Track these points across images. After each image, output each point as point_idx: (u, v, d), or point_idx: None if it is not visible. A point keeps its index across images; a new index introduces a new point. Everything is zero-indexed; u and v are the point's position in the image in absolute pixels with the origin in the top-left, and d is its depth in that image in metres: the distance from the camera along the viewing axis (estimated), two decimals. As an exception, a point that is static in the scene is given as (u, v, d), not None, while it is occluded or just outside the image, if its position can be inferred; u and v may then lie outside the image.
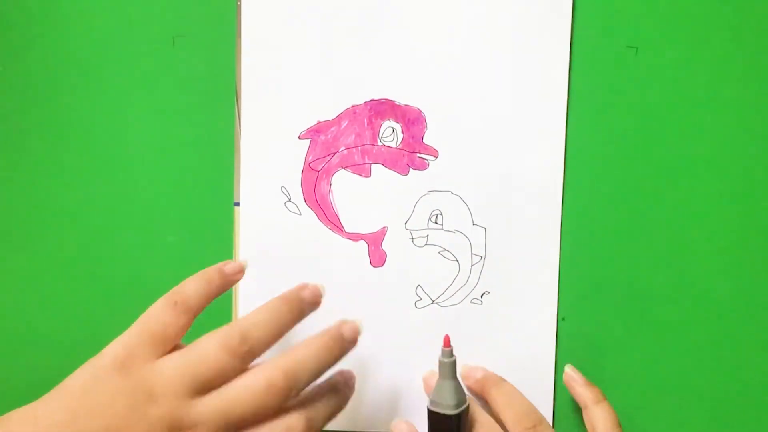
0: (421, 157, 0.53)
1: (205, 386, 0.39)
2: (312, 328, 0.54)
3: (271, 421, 0.40)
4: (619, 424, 0.49)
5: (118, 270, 0.54)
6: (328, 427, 0.54)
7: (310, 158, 0.53)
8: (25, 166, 0.54)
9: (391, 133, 0.53)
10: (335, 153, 0.53)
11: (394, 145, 0.53)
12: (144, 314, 0.42)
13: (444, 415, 0.47)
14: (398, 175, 0.53)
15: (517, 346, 0.54)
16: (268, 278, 0.54)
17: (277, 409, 0.40)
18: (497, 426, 0.49)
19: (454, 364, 0.48)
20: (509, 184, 0.53)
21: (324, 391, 0.44)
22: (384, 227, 0.53)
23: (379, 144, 0.53)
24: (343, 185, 0.53)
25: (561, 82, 0.52)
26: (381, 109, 0.53)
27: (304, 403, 0.42)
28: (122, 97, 0.53)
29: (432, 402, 0.48)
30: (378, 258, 0.54)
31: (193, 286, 0.43)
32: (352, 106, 0.53)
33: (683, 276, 0.53)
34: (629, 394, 0.54)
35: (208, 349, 0.39)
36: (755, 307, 0.53)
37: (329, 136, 0.53)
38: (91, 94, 0.53)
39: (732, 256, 0.53)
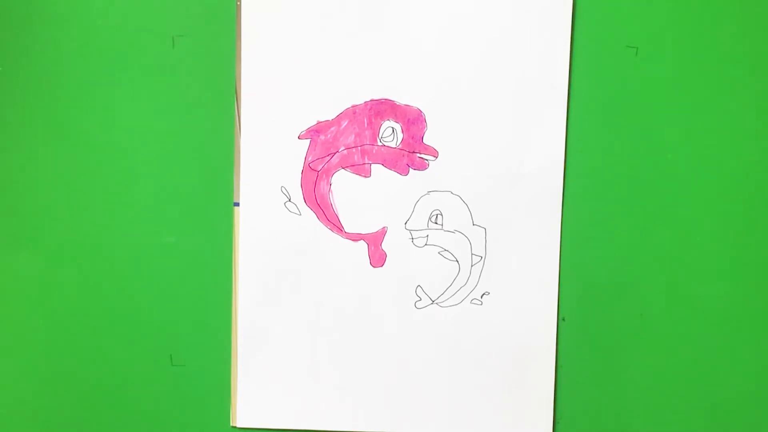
0: (421, 157, 0.53)
1: None
2: (313, 328, 0.55)
3: None
4: None
5: (119, 270, 0.54)
6: (328, 427, 0.55)
7: (310, 158, 0.53)
8: (24, 166, 0.54)
9: (391, 133, 0.53)
10: (335, 153, 0.53)
11: (394, 145, 0.53)
12: None
13: None
14: (398, 175, 0.53)
15: (517, 346, 0.54)
16: (267, 278, 0.54)
17: None
18: None
19: None
20: (509, 184, 0.53)
21: None
22: (384, 227, 0.53)
23: (379, 144, 0.53)
24: (343, 185, 0.53)
25: (561, 82, 0.52)
26: (381, 109, 0.53)
27: None
28: (122, 97, 0.53)
29: None
30: (378, 258, 0.54)
31: None
32: (352, 106, 0.53)
33: (683, 276, 0.53)
34: (629, 394, 0.54)
35: None
36: (755, 307, 0.53)
37: (329, 136, 0.53)
38: (91, 94, 0.53)
39: (732, 257, 0.53)
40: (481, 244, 0.53)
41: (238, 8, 0.52)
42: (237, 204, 0.53)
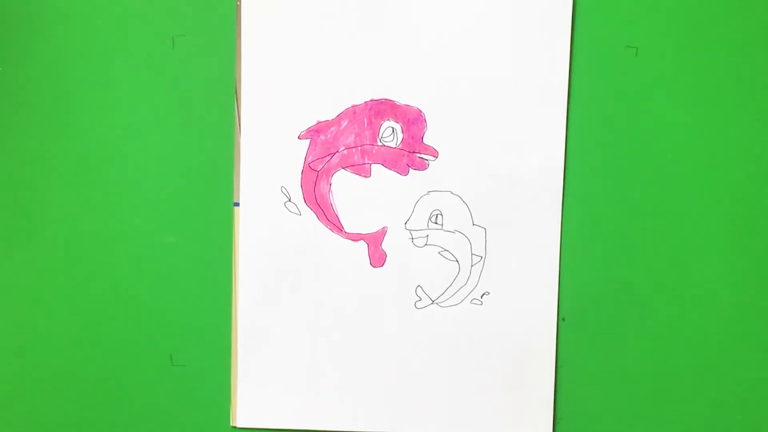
0: (421, 157, 0.53)
1: None
2: (313, 328, 0.55)
3: None
4: None
5: (119, 270, 0.54)
6: (328, 427, 0.55)
7: (310, 158, 0.53)
8: (25, 166, 0.54)
9: (391, 133, 0.53)
10: (335, 153, 0.53)
11: (394, 145, 0.53)
12: None
13: None
14: (398, 175, 0.53)
15: (517, 346, 0.54)
16: (267, 278, 0.54)
17: None
18: None
19: None
20: (509, 184, 0.53)
21: None
22: (384, 227, 0.53)
23: (379, 144, 0.53)
24: (343, 185, 0.53)
25: (561, 82, 0.52)
26: (381, 109, 0.53)
27: None
28: (122, 97, 0.53)
29: None
30: (378, 258, 0.54)
31: None
32: (352, 106, 0.53)
33: (683, 276, 0.53)
34: (629, 394, 0.54)
35: None
36: (755, 307, 0.53)
37: (329, 136, 0.53)
38: (91, 95, 0.53)
39: (732, 256, 0.53)
40: (481, 244, 0.53)
41: (238, 8, 0.52)
42: (237, 204, 0.53)
